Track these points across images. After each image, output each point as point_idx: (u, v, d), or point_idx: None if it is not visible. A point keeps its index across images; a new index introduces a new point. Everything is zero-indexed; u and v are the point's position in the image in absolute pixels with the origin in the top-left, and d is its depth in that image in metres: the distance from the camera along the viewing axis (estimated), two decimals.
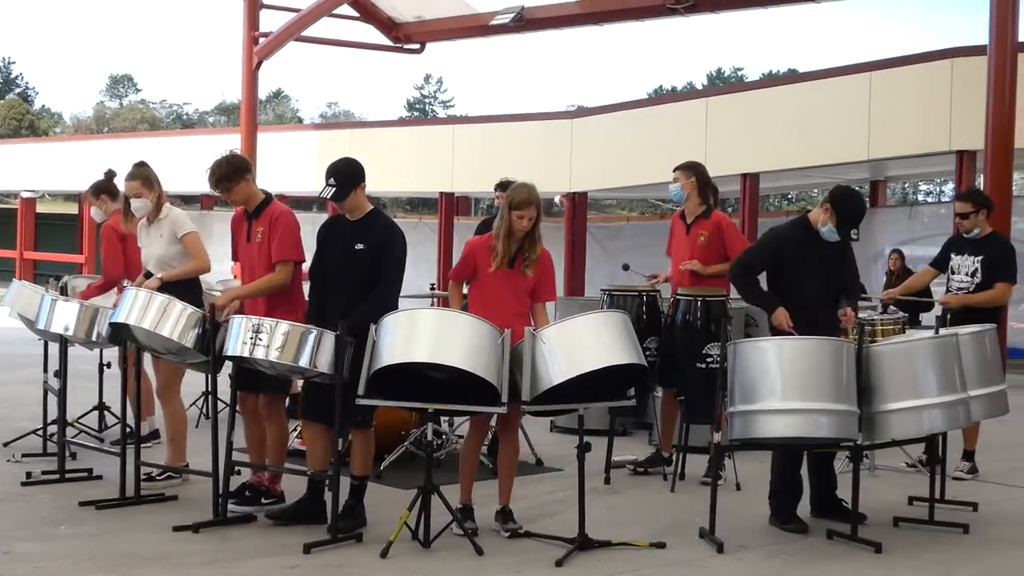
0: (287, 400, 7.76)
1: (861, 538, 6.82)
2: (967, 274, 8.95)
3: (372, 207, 7.11)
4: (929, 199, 57.55)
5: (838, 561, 6.62)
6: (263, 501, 7.43)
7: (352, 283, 6.93)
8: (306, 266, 7.38)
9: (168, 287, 7.55)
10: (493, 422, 7.43)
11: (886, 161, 18.54)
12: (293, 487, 7.39)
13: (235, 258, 7.71)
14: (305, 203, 34.06)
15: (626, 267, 9.63)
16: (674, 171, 8.87)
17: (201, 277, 8.13)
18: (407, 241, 7.12)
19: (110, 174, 9.34)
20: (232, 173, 7.39)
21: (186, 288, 7.73)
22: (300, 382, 7.47)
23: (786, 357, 6.79)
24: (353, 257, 6.94)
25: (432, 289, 10.90)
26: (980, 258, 8.91)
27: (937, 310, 10.30)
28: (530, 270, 7.07)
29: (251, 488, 7.53)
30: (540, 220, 7.07)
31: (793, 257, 7.43)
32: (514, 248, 7.05)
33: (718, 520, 6.87)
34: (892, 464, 9.14)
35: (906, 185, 59.75)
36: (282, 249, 7.29)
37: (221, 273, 7.73)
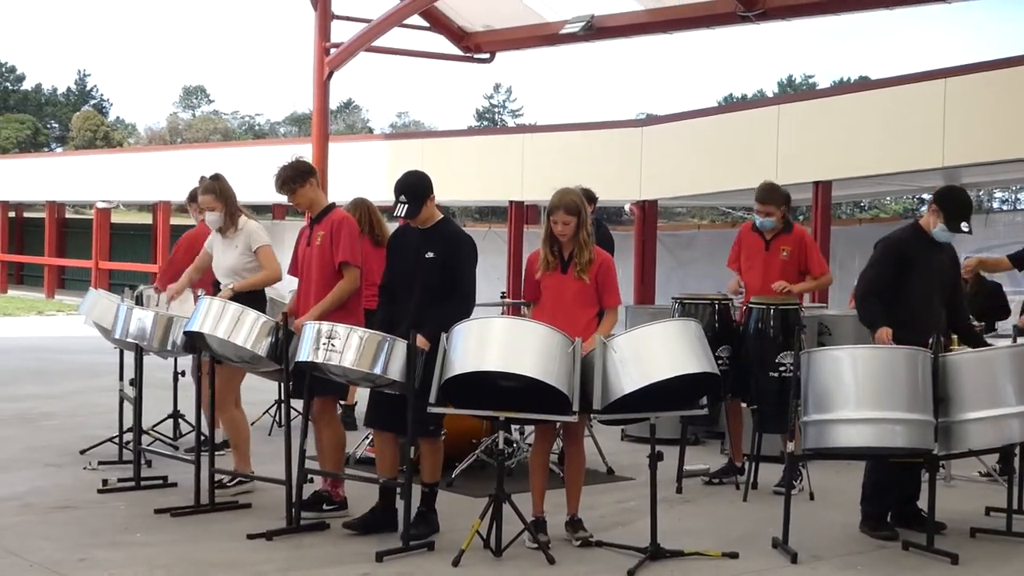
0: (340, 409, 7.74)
1: (938, 549, 6.72)
2: None
3: (442, 216, 7.14)
4: (1004, 207, 56.72)
5: (914, 572, 6.54)
6: (324, 508, 7.47)
7: (421, 291, 6.95)
8: None
9: (237, 298, 7.63)
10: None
11: (961, 168, 18.23)
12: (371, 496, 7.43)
13: (292, 272, 7.74)
14: None
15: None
16: (761, 204, 8.60)
17: (274, 285, 8.20)
18: (477, 250, 7.14)
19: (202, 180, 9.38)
20: (296, 176, 7.50)
21: (254, 300, 7.80)
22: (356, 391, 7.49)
23: (860, 366, 6.73)
24: (423, 265, 6.96)
25: (503, 297, 10.89)
26: None
27: (1013, 319, 10.10)
28: (584, 275, 7.03)
29: (318, 494, 7.58)
30: (584, 224, 7.02)
31: (911, 259, 7.37)
32: (566, 253, 7.05)
33: (792, 530, 6.81)
34: (966, 474, 9.00)
35: (980, 193, 58.96)
36: (347, 252, 7.35)
37: (293, 282, 7.78)
